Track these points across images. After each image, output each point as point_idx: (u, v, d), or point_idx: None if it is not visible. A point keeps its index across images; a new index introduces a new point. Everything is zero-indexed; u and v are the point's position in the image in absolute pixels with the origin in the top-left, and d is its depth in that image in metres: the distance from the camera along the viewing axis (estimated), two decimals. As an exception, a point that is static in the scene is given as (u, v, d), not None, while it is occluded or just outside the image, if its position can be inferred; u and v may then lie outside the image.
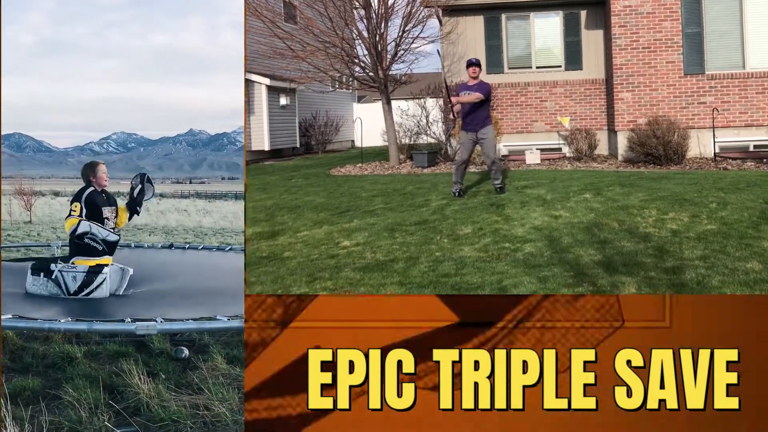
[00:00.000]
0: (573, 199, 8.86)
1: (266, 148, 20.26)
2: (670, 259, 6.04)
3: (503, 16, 14.76)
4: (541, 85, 14.69)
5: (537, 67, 14.79)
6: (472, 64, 9.69)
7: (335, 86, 21.03)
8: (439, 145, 15.54)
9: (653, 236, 6.85)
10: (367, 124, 20.29)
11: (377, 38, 14.96)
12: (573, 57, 14.68)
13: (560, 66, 14.76)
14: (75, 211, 6.08)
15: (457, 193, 9.63)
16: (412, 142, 16.40)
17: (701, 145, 12.95)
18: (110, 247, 6.22)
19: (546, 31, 14.81)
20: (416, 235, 7.50)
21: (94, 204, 6.18)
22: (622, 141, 13.18)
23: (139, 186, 6.57)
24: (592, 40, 14.56)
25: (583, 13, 14.59)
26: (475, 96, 9.30)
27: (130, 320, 4.86)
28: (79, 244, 6.11)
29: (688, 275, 5.55)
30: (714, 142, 12.84)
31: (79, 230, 6.04)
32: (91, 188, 6.24)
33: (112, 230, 6.23)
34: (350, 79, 17.22)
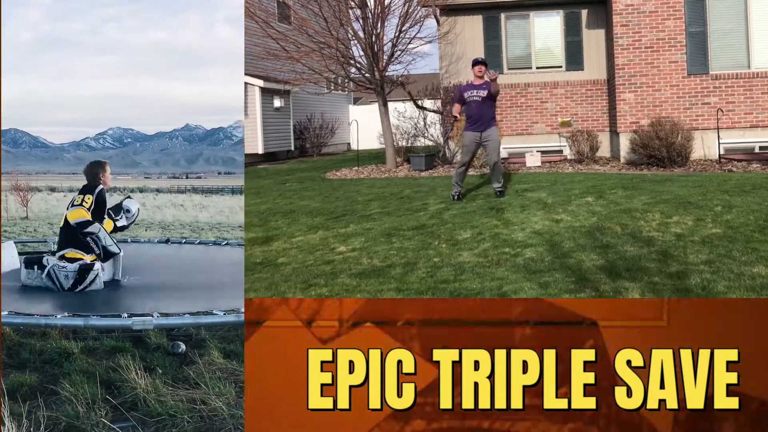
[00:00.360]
0: (574, 202, 8.86)
1: (260, 151, 20.26)
2: (674, 264, 6.03)
3: (502, 16, 14.78)
4: (541, 85, 14.71)
5: (537, 68, 14.82)
6: (478, 62, 9.70)
7: (330, 88, 21.05)
8: (437, 148, 15.55)
9: (657, 240, 6.85)
10: (363, 126, 20.28)
11: (373, 38, 14.97)
12: (574, 57, 14.71)
13: (561, 66, 14.79)
14: (87, 202, 6.22)
15: (456, 196, 9.63)
16: (409, 145, 16.41)
17: (705, 146, 12.97)
18: (106, 256, 6.32)
19: (546, 30, 14.84)
20: (414, 240, 7.50)
21: (103, 202, 6.36)
22: (624, 143, 13.19)
23: (122, 218, 6.76)
24: (593, 40, 14.59)
25: (584, 12, 14.63)
26: (495, 88, 9.41)
27: (126, 315, 4.97)
28: (79, 239, 6.20)
29: (693, 280, 5.54)
30: (718, 143, 12.86)
31: (89, 228, 6.17)
32: (101, 186, 6.41)
33: (115, 242, 6.38)
34: (346, 80, 17.24)
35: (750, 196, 8.68)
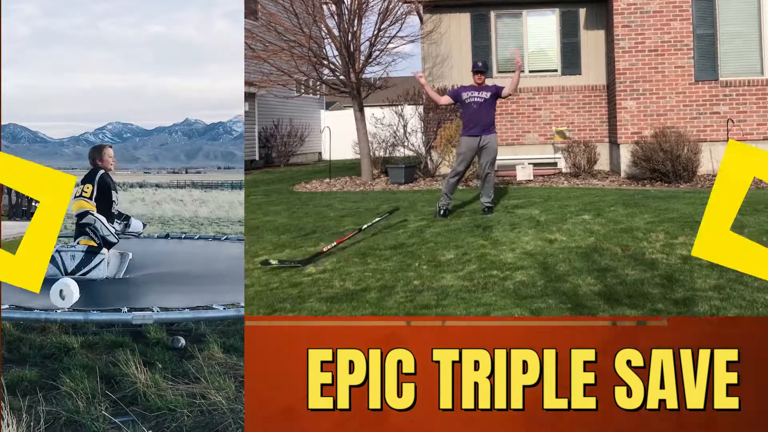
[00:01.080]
0: (570, 220, 8.88)
1: (221, 160, 20.19)
2: (680, 290, 6.05)
3: (492, 14, 14.88)
4: (534, 91, 14.79)
5: (530, 71, 14.90)
6: (479, 70, 9.69)
7: (301, 91, 21.06)
8: (418, 159, 15.56)
9: (661, 263, 6.87)
10: (336, 134, 20.28)
11: (349, 37, 15.00)
12: (570, 60, 14.82)
13: (556, 70, 14.90)
14: (86, 192, 6.58)
15: (442, 210, 9.57)
16: (387, 155, 16.40)
17: (714, 160, 13.08)
18: (106, 245, 6.66)
19: (540, 30, 14.96)
20: (391, 260, 7.47)
21: (106, 186, 6.71)
22: (625, 155, 13.28)
23: (120, 225, 7.11)
24: (591, 42, 14.71)
25: (582, 12, 14.75)
26: (517, 78, 9.75)
27: (126, 310, 5.34)
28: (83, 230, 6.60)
29: (701, 308, 5.56)
30: (728, 157, 12.95)
31: (85, 219, 6.51)
32: (102, 170, 6.76)
33: (112, 233, 6.71)
34: (318, 83, 17.25)
35: (762, 215, 8.75)
